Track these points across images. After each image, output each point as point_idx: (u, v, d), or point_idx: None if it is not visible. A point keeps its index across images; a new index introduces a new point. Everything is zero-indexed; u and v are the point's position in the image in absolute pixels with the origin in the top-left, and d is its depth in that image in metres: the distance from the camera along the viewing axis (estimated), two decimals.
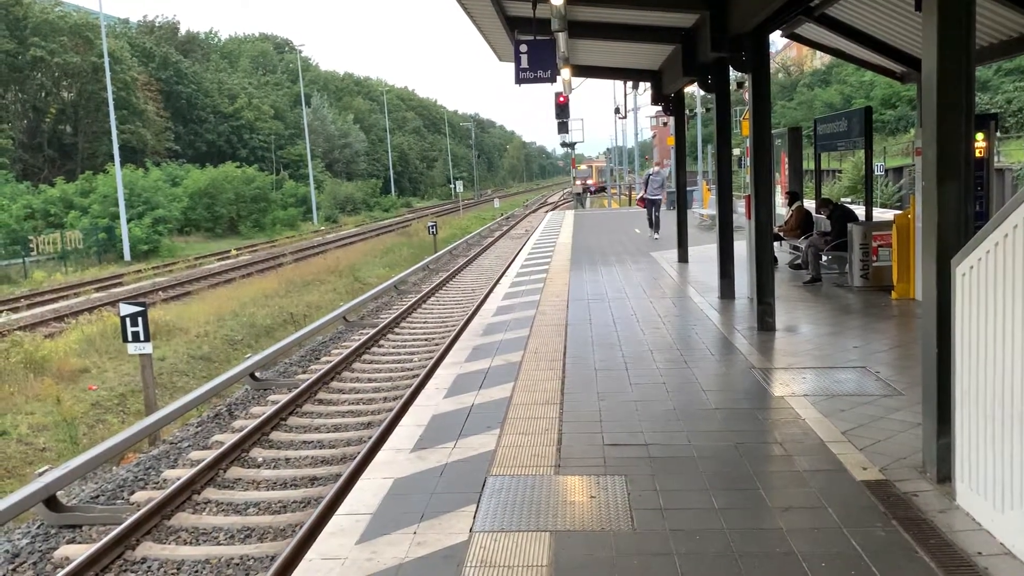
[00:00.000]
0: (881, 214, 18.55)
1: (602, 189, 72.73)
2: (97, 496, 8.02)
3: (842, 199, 26.43)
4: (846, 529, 4.22)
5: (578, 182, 74.26)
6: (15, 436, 10.97)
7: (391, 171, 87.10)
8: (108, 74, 40.03)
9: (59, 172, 49.78)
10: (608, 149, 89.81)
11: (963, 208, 4.65)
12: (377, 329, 15.10)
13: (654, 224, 21.94)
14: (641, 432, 5.92)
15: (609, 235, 23.95)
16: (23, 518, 7.47)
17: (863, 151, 13.98)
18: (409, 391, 10.50)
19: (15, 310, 21.99)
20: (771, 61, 10.68)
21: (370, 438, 8.83)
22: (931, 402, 4.74)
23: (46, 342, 15.58)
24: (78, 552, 6.51)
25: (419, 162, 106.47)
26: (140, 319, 10.46)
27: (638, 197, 21.29)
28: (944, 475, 4.65)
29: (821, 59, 77.66)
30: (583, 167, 77.53)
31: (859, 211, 14.26)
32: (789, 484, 4.88)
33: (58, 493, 7.43)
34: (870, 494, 4.64)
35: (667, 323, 10.10)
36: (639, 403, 6.66)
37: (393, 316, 16.50)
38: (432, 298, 19.67)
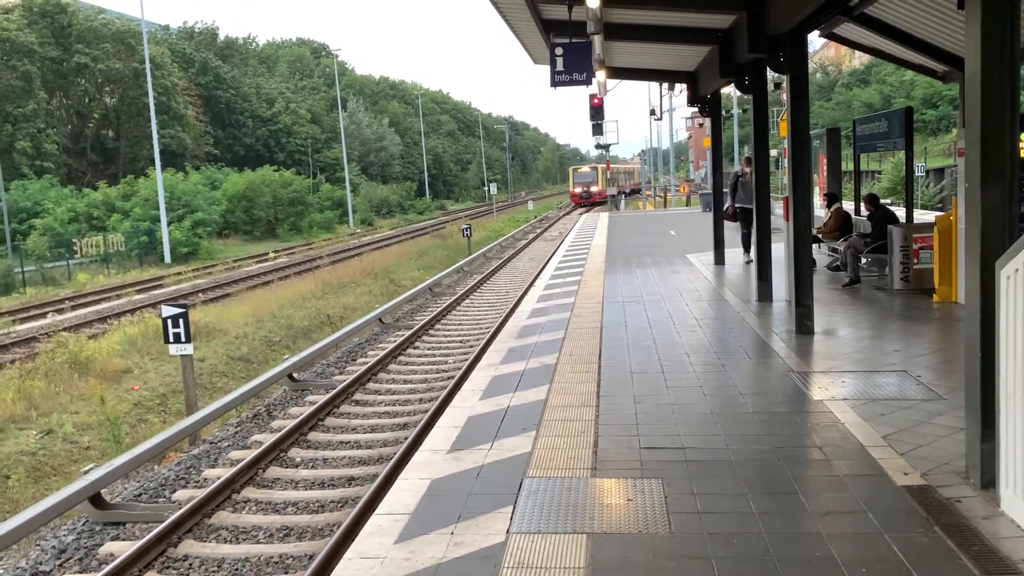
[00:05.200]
0: (922, 216, 18.26)
1: (636, 191, 70.74)
2: (140, 494, 8.18)
3: (882, 200, 26.10)
4: (887, 535, 4.17)
5: (578, 189, 59.78)
6: (61, 435, 11.22)
7: (426, 174, 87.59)
8: (149, 80, 40.75)
9: (102, 176, 50.91)
10: (643, 151, 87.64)
11: (1007, 210, 4.57)
12: (412, 331, 15.19)
13: (747, 243, 15.99)
14: (678, 435, 5.89)
15: (644, 237, 23.85)
16: (69, 515, 7.64)
17: (903, 152, 13.78)
18: (445, 392, 10.56)
19: (60, 311, 22.50)
20: (809, 61, 10.58)
21: (406, 439, 8.89)
22: (974, 406, 4.67)
23: (90, 343, 15.89)
24: (123, 549, 6.65)
25: (453, 165, 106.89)
26: (181, 320, 10.65)
27: (726, 207, 16.00)
28: (988, 481, 4.58)
29: (860, 59, 76.62)
30: (585, 169, 63.14)
31: (900, 213, 14.05)
32: (828, 488, 4.84)
33: (103, 491, 7.59)
34: (912, 499, 4.58)
35: (703, 326, 10.04)
36: (676, 406, 6.63)
37: (428, 318, 16.59)
38: (467, 300, 19.75)
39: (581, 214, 46.69)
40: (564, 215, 57.56)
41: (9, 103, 49.10)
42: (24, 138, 48.53)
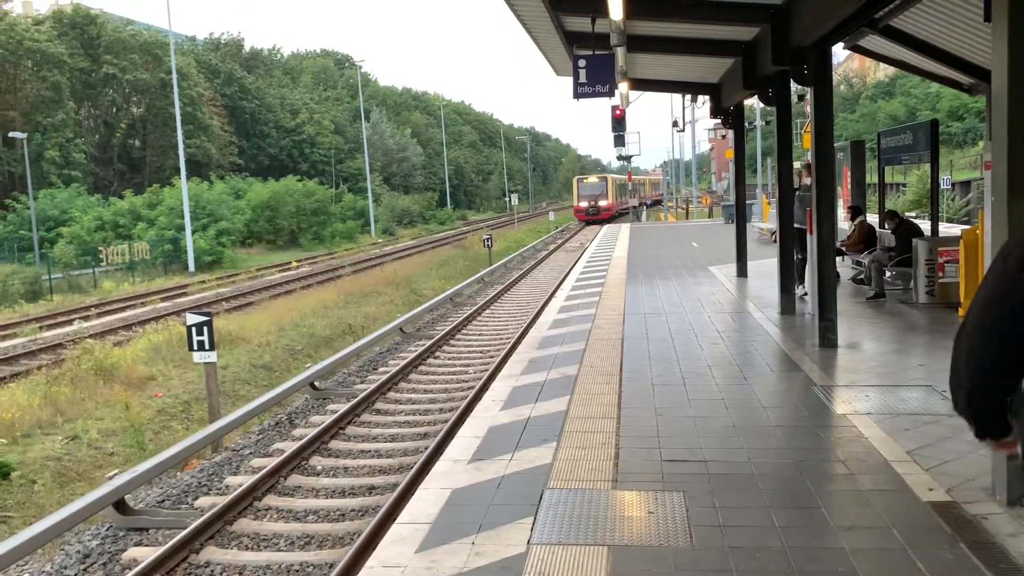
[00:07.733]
0: (948, 229, 18.09)
1: (658, 202, 70.37)
2: (163, 500, 8.25)
3: (907, 213, 25.83)
4: (912, 551, 4.13)
5: (583, 203, 52.51)
6: (86, 441, 11.34)
7: (447, 184, 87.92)
8: (176, 90, 41.26)
9: (128, 185, 51.58)
10: (665, 162, 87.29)
11: None
12: (433, 341, 15.23)
13: (801, 272, 12.39)
14: (700, 448, 5.87)
15: (666, 248, 23.79)
16: (94, 520, 7.71)
17: (929, 164, 13.68)
18: (465, 403, 10.57)
19: (86, 318, 22.77)
20: (833, 73, 10.54)
21: (427, 448, 8.90)
22: None
23: (115, 350, 16.07)
24: (145, 555, 6.70)
25: (475, 175, 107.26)
26: (205, 328, 10.74)
27: (773, 230, 13.64)
28: (1015, 498, 4.53)
29: (884, 71, 76.09)
30: (592, 179, 55.47)
31: (924, 226, 13.93)
32: (852, 503, 4.80)
33: (126, 496, 7.66)
34: (936, 515, 4.53)
35: (726, 338, 10.00)
36: (697, 419, 6.60)
37: (449, 328, 16.62)
38: (487, 310, 19.77)
39: (603, 224, 45.73)
40: (585, 226, 57.40)
41: (39, 113, 49.93)
42: (53, 147, 49.30)
